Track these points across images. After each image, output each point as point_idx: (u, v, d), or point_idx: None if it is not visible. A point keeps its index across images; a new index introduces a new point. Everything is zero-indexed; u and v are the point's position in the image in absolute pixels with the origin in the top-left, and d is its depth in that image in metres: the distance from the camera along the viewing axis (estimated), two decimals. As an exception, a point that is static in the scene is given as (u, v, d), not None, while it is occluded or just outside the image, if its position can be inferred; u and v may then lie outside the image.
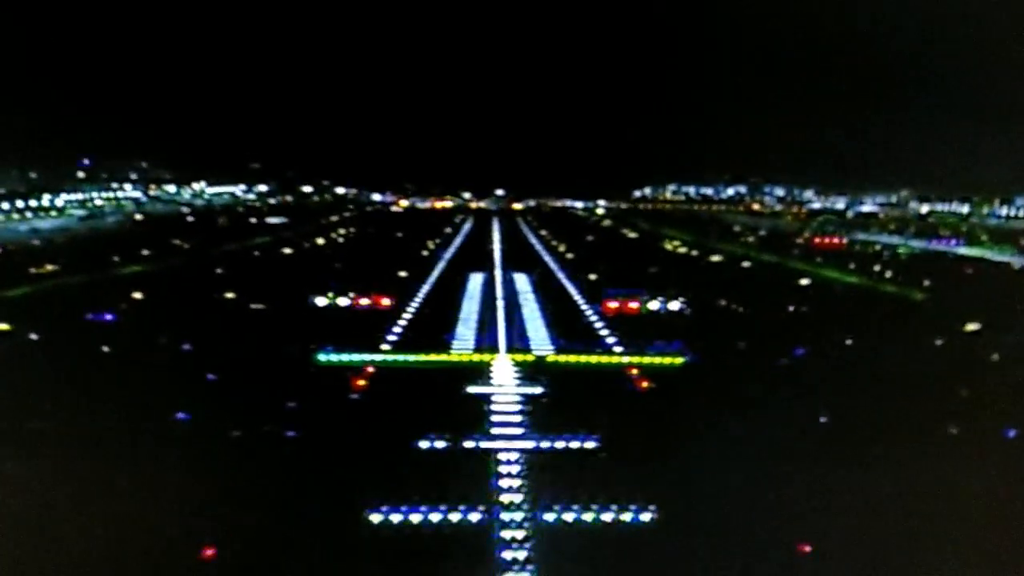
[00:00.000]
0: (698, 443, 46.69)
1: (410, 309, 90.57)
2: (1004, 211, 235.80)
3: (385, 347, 70.98)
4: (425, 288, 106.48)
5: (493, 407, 54.07)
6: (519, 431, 49.46)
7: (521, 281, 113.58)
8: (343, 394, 57.25)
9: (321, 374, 62.76)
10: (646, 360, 66.61)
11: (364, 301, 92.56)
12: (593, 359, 67.56)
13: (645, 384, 60.79)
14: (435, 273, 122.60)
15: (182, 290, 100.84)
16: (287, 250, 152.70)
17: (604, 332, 79.18)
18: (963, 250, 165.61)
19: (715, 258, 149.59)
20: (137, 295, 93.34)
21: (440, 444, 46.76)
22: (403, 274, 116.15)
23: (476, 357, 67.92)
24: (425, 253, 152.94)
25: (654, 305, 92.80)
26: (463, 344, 73.09)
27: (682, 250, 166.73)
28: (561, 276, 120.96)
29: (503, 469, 43.62)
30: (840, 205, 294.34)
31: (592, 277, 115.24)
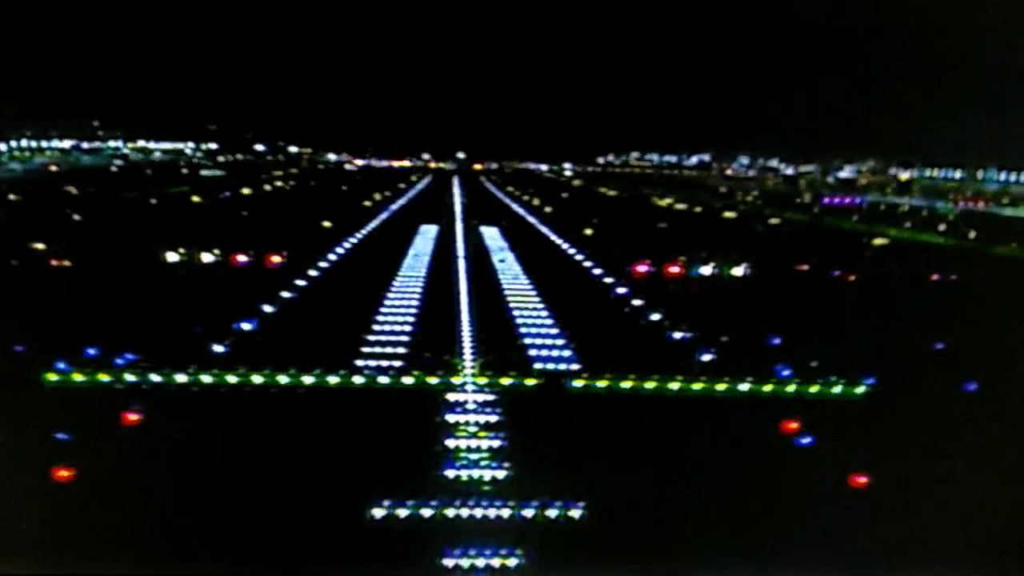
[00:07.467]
0: None
1: (313, 272, 50.22)
2: (1003, 175, 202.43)
3: (220, 348, 30.84)
4: (352, 240, 66.06)
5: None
6: None
7: (492, 237, 73.59)
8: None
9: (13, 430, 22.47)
10: (787, 387, 27.52)
11: (242, 258, 52.65)
12: (672, 385, 27.99)
13: (862, 479, 21.05)
14: (373, 224, 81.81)
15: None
16: (195, 199, 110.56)
17: (654, 315, 39.40)
18: (1007, 211, 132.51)
19: (728, 214, 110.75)
20: None
21: None
22: (327, 224, 75.58)
23: (409, 380, 28.12)
24: (367, 204, 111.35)
25: (705, 270, 54.51)
26: (386, 346, 32.84)
27: (680, 206, 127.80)
28: (545, 230, 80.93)
29: None
30: (812, 172, 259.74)
31: (588, 232, 76.19)
